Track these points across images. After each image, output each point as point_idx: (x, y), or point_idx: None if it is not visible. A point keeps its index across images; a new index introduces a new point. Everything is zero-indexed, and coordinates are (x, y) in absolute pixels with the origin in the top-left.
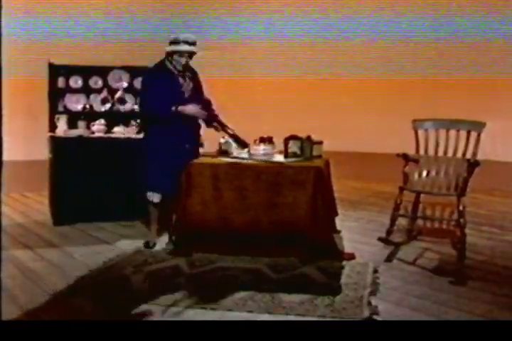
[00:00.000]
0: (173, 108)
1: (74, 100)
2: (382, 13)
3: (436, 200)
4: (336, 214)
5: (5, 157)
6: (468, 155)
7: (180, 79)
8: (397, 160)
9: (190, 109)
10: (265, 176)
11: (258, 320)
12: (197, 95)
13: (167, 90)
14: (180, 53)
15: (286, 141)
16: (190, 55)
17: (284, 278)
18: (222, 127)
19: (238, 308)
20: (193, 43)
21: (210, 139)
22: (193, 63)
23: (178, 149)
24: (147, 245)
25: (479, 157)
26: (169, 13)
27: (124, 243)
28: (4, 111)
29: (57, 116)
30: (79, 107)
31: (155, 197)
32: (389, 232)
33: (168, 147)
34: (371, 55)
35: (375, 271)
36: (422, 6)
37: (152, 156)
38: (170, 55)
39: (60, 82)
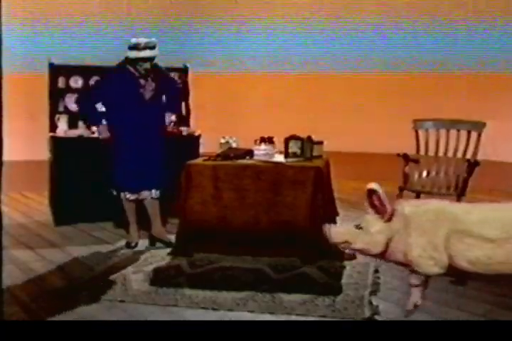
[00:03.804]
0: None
1: (74, 100)
2: (382, 14)
3: None
4: (337, 214)
5: (5, 157)
6: (469, 156)
7: (142, 81)
8: (397, 160)
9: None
10: (265, 176)
11: (259, 320)
12: (160, 94)
13: (124, 92)
14: (144, 60)
15: (287, 141)
16: (153, 58)
17: (284, 278)
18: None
19: (239, 308)
20: (154, 47)
21: (210, 139)
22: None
23: (145, 146)
24: (128, 245)
25: (479, 157)
26: (170, 13)
27: (124, 243)
28: (4, 111)
29: (57, 116)
30: None
31: (129, 196)
32: None
33: (135, 144)
34: (371, 56)
35: (376, 271)
36: (421, 8)
37: (120, 155)
38: (133, 60)
39: (60, 82)
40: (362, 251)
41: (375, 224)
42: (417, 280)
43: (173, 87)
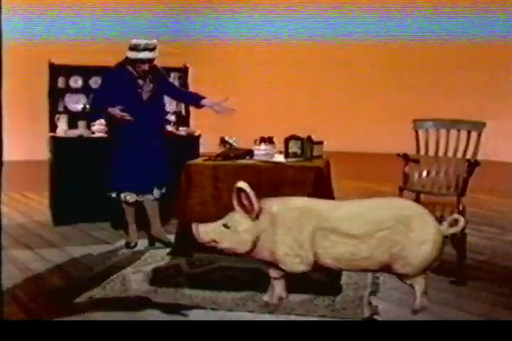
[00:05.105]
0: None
1: (74, 100)
2: (381, 12)
3: (436, 200)
4: None
5: (5, 157)
6: (469, 156)
7: (140, 81)
8: (397, 160)
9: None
10: (265, 176)
11: (258, 320)
12: (159, 95)
13: (122, 92)
14: (143, 61)
15: (287, 141)
16: (152, 60)
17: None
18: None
19: (239, 308)
20: (154, 49)
21: (210, 139)
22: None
23: (144, 146)
24: (128, 245)
25: (479, 157)
26: (170, 13)
27: (123, 243)
28: (4, 111)
29: (57, 116)
30: (79, 107)
31: (129, 197)
32: None
33: (134, 145)
34: (370, 55)
35: None
36: (422, 6)
37: (119, 156)
38: (132, 61)
39: (60, 82)
40: (229, 250)
41: (242, 223)
42: (277, 273)
43: (173, 87)
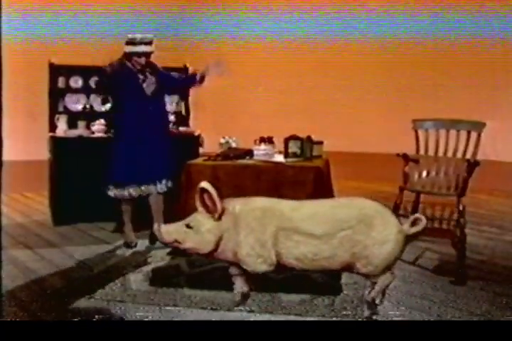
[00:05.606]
0: None
1: (74, 100)
2: (381, 12)
3: (436, 200)
4: None
5: (5, 157)
6: (468, 156)
7: (141, 76)
8: (397, 160)
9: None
10: (265, 176)
11: (258, 320)
12: (162, 88)
13: (124, 86)
14: (139, 54)
15: (287, 141)
16: (149, 54)
17: (283, 278)
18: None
19: (238, 308)
20: (150, 43)
21: (209, 139)
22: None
23: (148, 140)
24: (128, 245)
25: (479, 157)
26: (170, 12)
27: (123, 243)
28: (4, 111)
29: (57, 116)
30: (79, 107)
31: (132, 190)
32: None
33: (138, 138)
34: (371, 56)
35: None
36: (422, 6)
37: (122, 149)
38: (128, 55)
39: (60, 82)
40: (192, 251)
41: (205, 223)
42: (237, 270)
43: (171, 76)
